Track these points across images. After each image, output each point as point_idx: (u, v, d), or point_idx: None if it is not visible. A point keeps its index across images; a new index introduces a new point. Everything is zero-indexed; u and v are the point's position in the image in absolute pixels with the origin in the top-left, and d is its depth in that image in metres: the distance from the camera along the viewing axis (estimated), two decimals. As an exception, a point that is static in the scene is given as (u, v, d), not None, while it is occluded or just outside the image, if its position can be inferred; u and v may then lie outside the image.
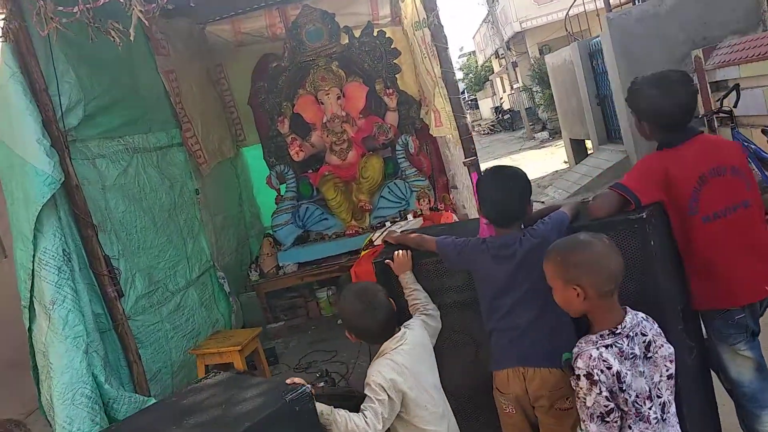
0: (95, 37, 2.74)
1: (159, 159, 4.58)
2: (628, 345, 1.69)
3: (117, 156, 4.02)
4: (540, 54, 19.14)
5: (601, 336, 1.70)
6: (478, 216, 2.32)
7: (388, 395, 1.91)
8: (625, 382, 1.64)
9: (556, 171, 11.01)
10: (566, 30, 10.71)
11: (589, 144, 10.40)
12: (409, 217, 4.03)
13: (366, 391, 1.93)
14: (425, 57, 3.55)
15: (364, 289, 2.15)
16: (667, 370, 1.76)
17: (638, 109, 2.15)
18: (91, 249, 3.48)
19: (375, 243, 3.72)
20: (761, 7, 7.50)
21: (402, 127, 6.01)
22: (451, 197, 5.69)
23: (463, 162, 3.24)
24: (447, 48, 3.22)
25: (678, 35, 7.62)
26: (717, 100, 5.47)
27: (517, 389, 1.96)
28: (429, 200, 5.27)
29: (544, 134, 17.22)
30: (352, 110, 5.74)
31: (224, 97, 6.24)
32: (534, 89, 17.80)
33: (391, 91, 5.72)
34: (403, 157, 5.66)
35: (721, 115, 5.12)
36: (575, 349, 1.72)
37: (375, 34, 5.83)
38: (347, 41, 5.87)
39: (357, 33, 5.85)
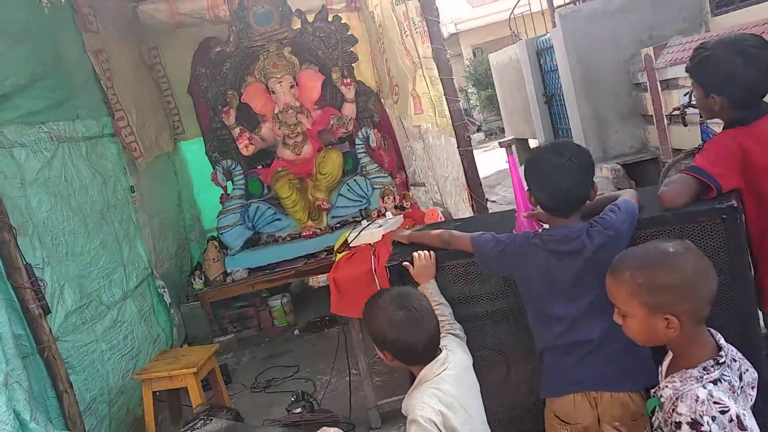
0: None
1: (89, 150, 3.92)
2: (732, 376, 1.32)
3: (39, 145, 3.37)
4: (474, 56, 19.26)
5: (704, 369, 1.31)
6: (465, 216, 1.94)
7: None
8: (747, 428, 1.25)
9: (501, 170, 10.92)
10: (510, 29, 10.66)
11: (533, 143, 10.37)
12: (388, 214, 3.60)
13: (412, 430, 1.50)
14: (406, 35, 3.16)
15: (404, 294, 1.69)
16: (751, 400, 1.39)
17: (710, 80, 1.81)
18: (9, 256, 2.84)
19: (351, 244, 3.28)
20: (704, 9, 7.66)
21: (359, 120, 5.61)
22: (411, 195, 5.32)
23: (459, 150, 2.87)
24: (439, 22, 2.84)
25: (627, 34, 7.65)
26: (685, 94, 5.42)
27: (588, 418, 1.59)
28: (394, 198, 4.86)
29: (480, 135, 17.26)
30: (307, 100, 5.26)
31: (160, 84, 5.58)
32: (469, 90, 17.83)
33: (348, 80, 5.29)
34: (364, 152, 5.24)
35: (690, 110, 5.04)
36: (667, 390, 1.32)
37: (330, 19, 5.38)
38: (299, 26, 5.39)
39: (310, 18, 5.39)
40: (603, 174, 7.57)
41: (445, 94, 2.77)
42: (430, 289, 1.85)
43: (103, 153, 4.14)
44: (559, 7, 9.37)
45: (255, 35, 5.37)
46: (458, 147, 2.85)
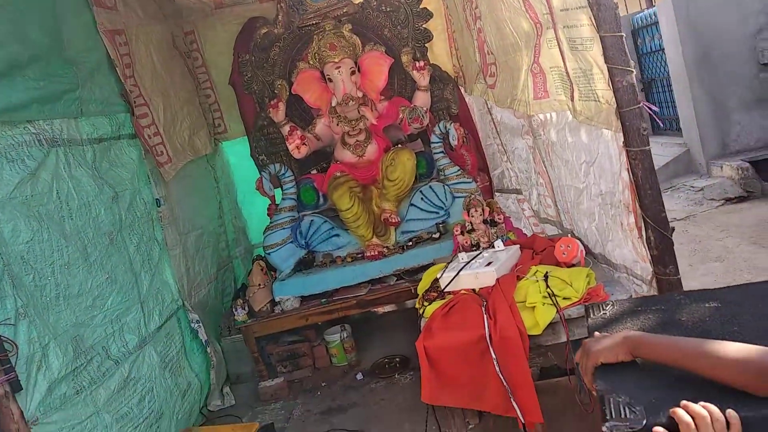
0: None
1: (96, 157, 3.06)
2: None
3: (19, 152, 2.50)
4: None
5: None
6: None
7: None
8: None
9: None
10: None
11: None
12: (498, 244, 2.55)
13: None
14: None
15: None
16: None
17: None
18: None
19: (445, 289, 2.25)
20: None
21: (435, 113, 4.58)
22: (498, 203, 4.24)
23: (628, 152, 1.79)
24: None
25: (753, 3, 6.31)
26: None
27: None
28: (482, 210, 3.78)
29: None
30: (371, 89, 4.26)
31: (197, 74, 4.71)
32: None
33: (422, 64, 4.26)
34: (441, 152, 4.20)
35: None
36: None
37: (398, -11, 4.39)
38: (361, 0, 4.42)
39: (374, -12, 4.41)
40: (725, 173, 6.24)
41: (608, 62, 1.71)
42: None
43: (118, 159, 3.28)
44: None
45: (308, 12, 4.46)
46: (626, 146, 1.78)
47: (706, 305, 1.05)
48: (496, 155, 4.46)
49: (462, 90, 4.61)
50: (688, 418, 0.81)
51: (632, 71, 1.74)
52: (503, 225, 3.52)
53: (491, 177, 4.77)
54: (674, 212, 6.10)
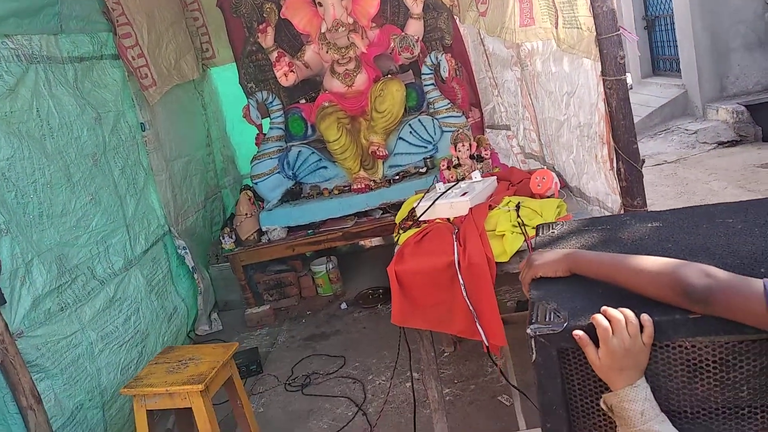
0: None
1: (78, 76, 3.00)
2: None
3: (-3, 66, 2.45)
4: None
5: None
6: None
7: None
8: None
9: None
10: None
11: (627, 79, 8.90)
12: (475, 175, 2.56)
13: None
14: None
15: None
16: None
17: None
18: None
19: (420, 217, 2.28)
20: None
21: (427, 43, 4.47)
22: (487, 140, 4.21)
23: (604, 81, 1.78)
24: None
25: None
26: None
27: None
28: (470, 145, 3.76)
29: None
30: (362, 16, 4.14)
31: (185, -5, 4.56)
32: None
33: (415, -10, 4.12)
34: (432, 84, 4.14)
35: None
36: None
37: None
38: None
39: None
40: (720, 117, 6.19)
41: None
42: (637, 403, 0.84)
43: (101, 80, 3.22)
44: None
45: (299, -69, 4.24)
46: (603, 75, 1.76)
47: (649, 225, 1.07)
48: (488, 89, 4.39)
49: (457, 20, 4.48)
50: (605, 322, 0.85)
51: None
52: (489, 161, 3.51)
53: (483, 112, 4.71)
54: (666, 155, 6.09)
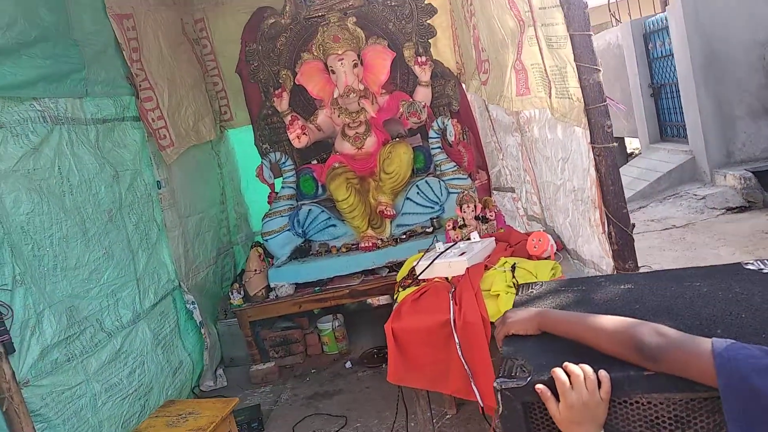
0: None
1: (99, 136, 3.17)
2: None
3: (24, 126, 2.61)
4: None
5: None
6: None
7: None
8: None
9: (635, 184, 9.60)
10: (609, 11, 9.36)
11: (631, 143, 9.06)
12: (474, 236, 2.63)
13: None
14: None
15: None
16: None
17: None
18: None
19: (419, 276, 2.33)
20: None
21: (435, 109, 4.64)
22: (494, 202, 4.30)
23: (593, 148, 1.86)
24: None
25: (764, 11, 6.28)
26: None
27: None
28: (475, 206, 3.85)
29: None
30: (373, 83, 4.34)
31: (206, 62, 4.82)
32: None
33: (424, 59, 4.34)
34: (439, 147, 4.27)
35: None
36: None
37: (404, -16, 4.45)
38: (367, -7, 4.50)
39: (380, -17, 4.48)
40: (728, 183, 6.24)
41: (576, 60, 1.77)
42: None
43: (121, 140, 3.39)
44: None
45: (315, 3, 4.53)
46: (591, 143, 1.85)
47: (621, 287, 1.12)
48: (494, 153, 4.52)
49: (464, 86, 4.67)
50: (564, 376, 0.89)
51: (599, 69, 1.81)
52: (494, 222, 3.59)
53: (489, 174, 4.82)
54: (674, 219, 6.11)
